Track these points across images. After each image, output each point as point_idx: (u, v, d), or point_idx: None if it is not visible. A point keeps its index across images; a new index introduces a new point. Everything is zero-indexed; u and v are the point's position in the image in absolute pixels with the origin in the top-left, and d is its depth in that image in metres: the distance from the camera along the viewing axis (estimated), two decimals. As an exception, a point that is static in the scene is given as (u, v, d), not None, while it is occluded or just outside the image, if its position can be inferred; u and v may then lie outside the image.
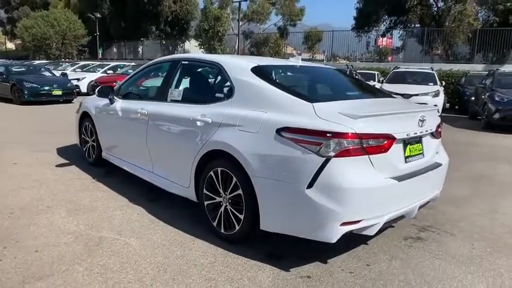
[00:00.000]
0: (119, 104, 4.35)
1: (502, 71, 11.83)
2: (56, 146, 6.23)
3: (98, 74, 16.07)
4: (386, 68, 18.26)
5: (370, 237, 3.09)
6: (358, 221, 2.44)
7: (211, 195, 3.10)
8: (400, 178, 2.59)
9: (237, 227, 2.89)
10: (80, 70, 17.17)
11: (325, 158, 2.37)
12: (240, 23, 30.15)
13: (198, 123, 3.18)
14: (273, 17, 30.02)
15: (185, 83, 3.78)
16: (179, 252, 2.85)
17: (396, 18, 24.05)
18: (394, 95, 4.26)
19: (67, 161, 5.31)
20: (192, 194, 3.34)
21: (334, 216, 2.38)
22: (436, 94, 10.87)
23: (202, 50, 38.13)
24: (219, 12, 31.60)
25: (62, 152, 5.89)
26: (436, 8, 22.92)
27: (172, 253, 2.84)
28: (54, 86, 12.17)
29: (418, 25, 24.21)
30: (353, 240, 2.95)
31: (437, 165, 3.02)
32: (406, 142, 2.74)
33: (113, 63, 18.19)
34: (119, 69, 17.33)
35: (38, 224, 3.27)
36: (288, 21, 29.44)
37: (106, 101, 4.63)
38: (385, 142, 2.50)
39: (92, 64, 18.33)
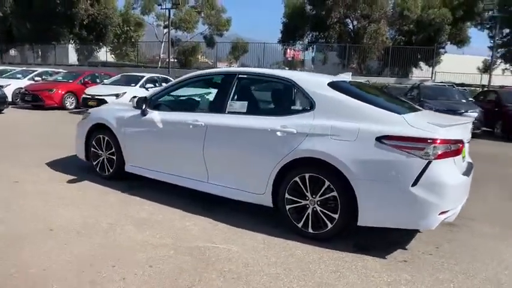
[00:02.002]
0: (157, 115, 4.30)
1: (425, 85, 13.90)
2: (42, 160, 5.70)
3: (25, 81, 14.45)
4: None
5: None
6: (448, 211, 3.00)
7: (296, 199, 3.39)
8: (466, 174, 3.23)
9: (330, 226, 3.23)
10: (-5, 77, 15.17)
11: (427, 161, 2.88)
12: (166, 30, 29.67)
13: (279, 133, 3.44)
14: (201, 26, 30.28)
15: (248, 96, 3.97)
16: (285, 253, 3.09)
17: (318, 34, 26.17)
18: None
19: (74, 177, 4.96)
20: (268, 200, 3.57)
21: (435, 208, 2.91)
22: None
23: (112, 56, 36.47)
24: (140, 18, 30.72)
25: (57, 166, 5.45)
26: (352, 27, 25.57)
27: (279, 254, 3.07)
28: (-16, 94, 10.73)
29: (336, 41, 26.69)
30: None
31: (472, 164, 3.76)
32: (462, 146, 3.40)
33: (40, 70, 16.47)
34: (45, 76, 15.80)
35: (120, 241, 3.18)
36: (214, 31, 29.84)
37: (132, 112, 4.54)
38: (460, 146, 3.12)
39: (11, 70, 16.32)
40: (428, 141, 2.90)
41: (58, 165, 5.55)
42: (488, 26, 27.20)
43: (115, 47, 35.76)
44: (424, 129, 2.98)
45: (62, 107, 13.01)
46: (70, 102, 13.30)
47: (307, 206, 3.34)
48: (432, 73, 24.00)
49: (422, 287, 2.67)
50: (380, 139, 3.01)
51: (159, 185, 4.50)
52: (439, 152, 2.91)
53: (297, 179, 3.36)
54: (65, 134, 8.60)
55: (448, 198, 2.96)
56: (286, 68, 38.88)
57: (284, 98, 3.72)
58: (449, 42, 25.27)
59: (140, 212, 3.86)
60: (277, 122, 3.49)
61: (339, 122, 3.22)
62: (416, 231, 3.65)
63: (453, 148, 3.03)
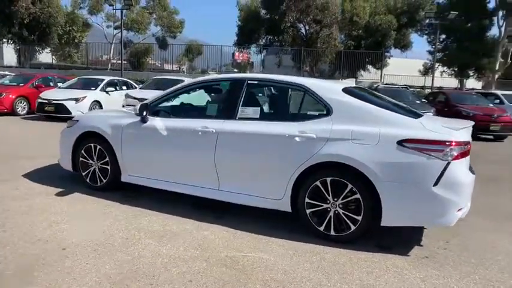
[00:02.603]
0: (159, 122, 4.14)
1: (383, 87, 14.66)
2: (16, 173, 5.23)
3: (-34, 85, 13.09)
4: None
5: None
6: (462, 208, 3.23)
7: (316, 203, 3.44)
8: (472, 172, 3.49)
9: (353, 228, 3.33)
10: None
11: (447, 162, 3.07)
12: (115, 32, 28.45)
13: (297, 139, 3.48)
14: (154, 28, 29.36)
15: (259, 101, 3.94)
16: (316, 257, 3.12)
17: (273, 37, 26.60)
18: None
19: (61, 189, 4.61)
20: (287, 205, 3.59)
21: (454, 205, 3.11)
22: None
23: (54, 57, 34.33)
24: (84, 19, 29.15)
25: (36, 178, 5.01)
26: (304, 31, 26.30)
27: (310, 259, 3.10)
28: None
29: (289, 45, 27.30)
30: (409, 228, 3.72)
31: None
32: (465, 146, 3.66)
33: (-18, 72, 15.04)
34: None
35: (145, 256, 3.02)
36: (167, 33, 29.15)
37: (130, 119, 4.33)
38: (469, 147, 3.36)
39: None
40: (447, 143, 3.10)
41: (37, 177, 5.12)
42: (426, 32, 29.40)
43: (57, 48, 33.59)
44: (441, 132, 3.18)
45: (12, 112, 11.98)
46: (22, 108, 12.28)
47: (329, 209, 3.41)
48: (381, 76, 25.42)
49: (453, 280, 2.85)
50: (401, 142, 3.16)
51: (156, 194, 4.39)
52: (456, 154, 3.12)
53: (318, 183, 3.41)
54: (29, 143, 8.01)
55: (463, 195, 3.18)
56: (235, 71, 39.29)
57: (298, 104, 3.76)
58: (393, 47, 26.95)
59: (151, 224, 3.69)
60: (294, 128, 3.52)
61: (359, 126, 3.33)
62: (422, 228, 3.87)
63: (465, 149, 3.26)
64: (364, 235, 3.38)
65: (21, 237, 3.26)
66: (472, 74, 29.37)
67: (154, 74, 23.12)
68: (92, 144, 4.58)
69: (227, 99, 4.01)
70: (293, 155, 3.48)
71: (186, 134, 3.99)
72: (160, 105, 4.36)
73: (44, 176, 5.20)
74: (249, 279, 2.73)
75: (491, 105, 12.76)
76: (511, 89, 20.77)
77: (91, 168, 4.63)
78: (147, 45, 28.63)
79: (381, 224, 3.26)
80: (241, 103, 3.86)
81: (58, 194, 4.46)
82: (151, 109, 4.29)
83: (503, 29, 25.62)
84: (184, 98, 4.42)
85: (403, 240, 3.56)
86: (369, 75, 27.38)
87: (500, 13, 25.56)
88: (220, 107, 4.11)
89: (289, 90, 3.90)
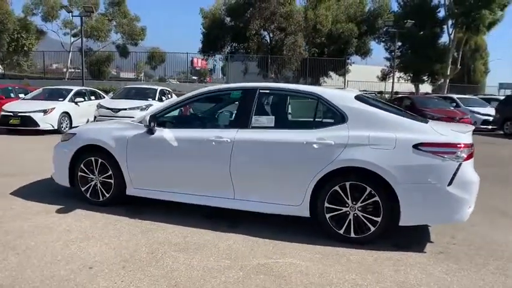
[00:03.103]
0: (168, 133, 4.09)
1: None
2: (2, 191, 4.93)
3: None
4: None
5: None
6: (471, 206, 3.48)
7: (336, 207, 3.57)
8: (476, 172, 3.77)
9: (373, 229, 3.48)
10: None
11: (459, 163, 3.32)
12: (74, 39, 27.33)
13: (315, 145, 3.59)
14: (115, 35, 28.35)
15: (271, 110, 4.01)
16: (343, 259, 3.24)
17: (238, 44, 26.78)
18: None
19: (60, 206, 4.40)
20: (306, 211, 3.69)
21: (466, 203, 3.36)
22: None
23: (1, 67, 32.40)
24: (32, 25, 27.72)
25: (28, 196, 4.74)
26: (269, 39, 26.73)
27: (338, 261, 3.21)
28: None
29: (255, 52, 27.62)
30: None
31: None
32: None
33: None
34: None
35: (178, 269, 2.98)
36: (128, 40, 28.42)
37: (135, 130, 4.25)
38: (473, 149, 3.64)
39: None
40: (458, 145, 3.35)
41: (27, 194, 4.84)
42: (383, 39, 30.89)
43: (5, 56, 31.60)
44: (451, 136, 3.43)
45: (-30, 126, 11.17)
46: (-18, 121, 11.49)
47: (348, 212, 3.55)
48: (344, 82, 26.38)
49: (472, 271, 3.07)
50: (417, 146, 3.37)
51: (162, 207, 4.35)
52: (465, 155, 3.37)
53: (337, 187, 3.54)
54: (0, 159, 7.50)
55: (473, 193, 3.44)
56: (194, 78, 39.15)
57: (311, 112, 3.87)
58: (354, 54, 28.11)
59: (170, 237, 3.64)
60: (312, 135, 3.64)
61: (376, 132, 3.50)
62: (426, 226, 4.10)
63: (471, 151, 3.53)
64: (381, 235, 3.54)
65: (40, 259, 3.09)
66: (426, 79, 31.18)
67: (115, 83, 22.47)
68: (93, 158, 4.42)
69: (239, 109, 4.04)
70: (312, 162, 3.59)
71: (199, 144, 3.98)
72: (167, 116, 4.31)
73: (35, 193, 4.93)
74: (289, 284, 2.79)
75: (452, 108, 13.68)
76: (460, 92, 22.42)
77: (92, 183, 4.47)
78: (107, 53, 27.71)
79: (399, 224, 3.44)
80: (254, 112, 3.92)
81: (59, 212, 4.26)
82: (158, 120, 4.23)
83: (452, 36, 27.55)
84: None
85: (415, 238, 3.76)
86: (331, 82, 28.29)
87: (450, 22, 27.44)
88: (232, 116, 4.14)
89: (302, 98, 4.02)
